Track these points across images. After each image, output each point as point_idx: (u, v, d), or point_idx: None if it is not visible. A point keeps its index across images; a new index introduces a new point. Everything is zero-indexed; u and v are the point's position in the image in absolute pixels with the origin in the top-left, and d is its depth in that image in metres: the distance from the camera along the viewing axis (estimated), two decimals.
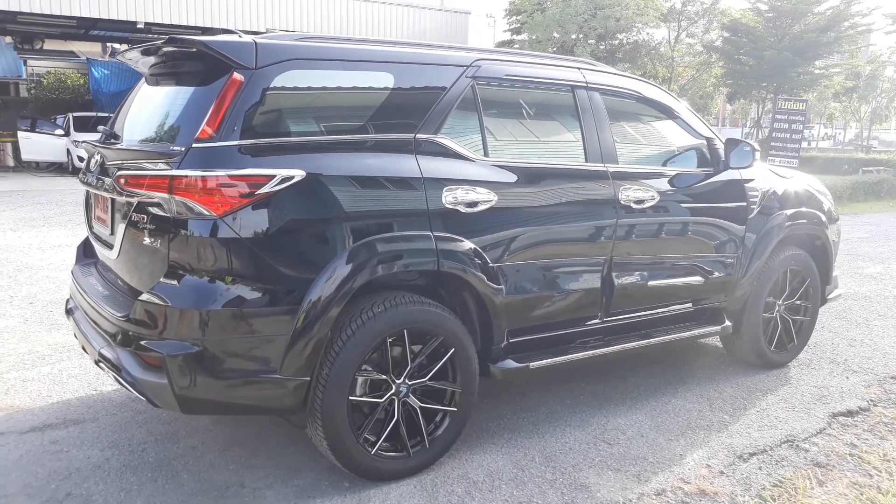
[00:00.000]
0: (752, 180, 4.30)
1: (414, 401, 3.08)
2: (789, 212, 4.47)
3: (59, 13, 17.85)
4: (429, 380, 3.11)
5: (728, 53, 25.43)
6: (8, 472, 3.09)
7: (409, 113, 3.07)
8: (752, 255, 4.27)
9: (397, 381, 3.02)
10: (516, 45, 22.96)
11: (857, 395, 4.25)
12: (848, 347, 5.16)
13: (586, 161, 3.59)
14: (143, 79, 3.37)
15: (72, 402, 3.86)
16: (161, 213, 2.65)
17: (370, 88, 3.03)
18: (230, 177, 2.57)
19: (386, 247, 2.86)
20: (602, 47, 25.90)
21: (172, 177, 2.59)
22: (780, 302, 4.60)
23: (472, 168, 3.15)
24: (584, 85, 3.65)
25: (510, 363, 3.38)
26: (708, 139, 4.16)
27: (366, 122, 2.98)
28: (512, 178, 3.26)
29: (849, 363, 4.82)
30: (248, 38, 2.82)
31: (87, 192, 3.52)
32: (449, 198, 3.02)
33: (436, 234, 2.98)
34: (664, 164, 4.07)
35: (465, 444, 3.43)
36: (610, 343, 3.80)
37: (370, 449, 2.96)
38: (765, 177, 4.43)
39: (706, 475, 3.24)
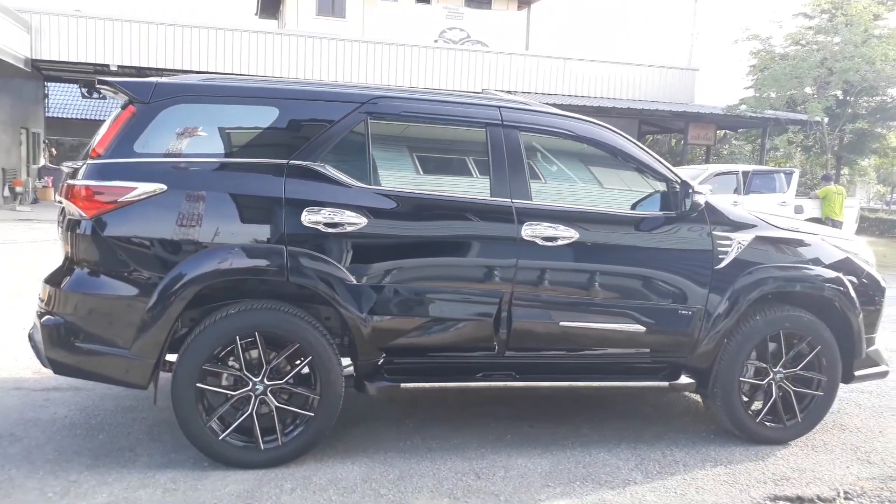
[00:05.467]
0: (727, 227, 3.95)
1: (271, 400, 3.41)
2: (782, 265, 4.01)
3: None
4: (285, 383, 3.42)
5: None
6: None
7: (287, 141, 3.48)
8: (718, 309, 3.90)
9: (254, 380, 3.38)
10: (742, 105, 21.52)
11: (834, 484, 3.63)
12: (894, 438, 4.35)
13: (491, 196, 3.66)
14: None
15: None
16: (68, 216, 3.36)
17: (253, 119, 3.51)
18: (100, 186, 3.20)
19: (235, 255, 3.27)
20: (864, 103, 23.24)
21: (70, 185, 3.30)
22: (776, 368, 4.09)
23: (344, 193, 3.43)
24: (499, 123, 3.73)
25: (383, 381, 3.56)
26: (668, 181, 3.93)
27: (242, 148, 3.47)
28: (389, 204, 3.48)
29: (872, 454, 4.07)
30: (154, 79, 3.46)
31: None
32: (309, 218, 3.35)
33: (290, 248, 3.32)
34: (605, 204, 3.95)
35: (343, 451, 3.66)
36: (521, 379, 3.77)
37: (217, 435, 3.34)
38: (751, 226, 4.03)
39: None
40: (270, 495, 3.19)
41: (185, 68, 19.07)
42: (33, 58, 18.00)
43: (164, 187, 3.23)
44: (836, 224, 13.94)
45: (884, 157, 28.54)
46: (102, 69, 19.38)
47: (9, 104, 19.52)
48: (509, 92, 20.92)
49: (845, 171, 28.90)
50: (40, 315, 3.39)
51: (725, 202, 4.28)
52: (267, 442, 3.41)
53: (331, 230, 3.38)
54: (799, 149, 24.88)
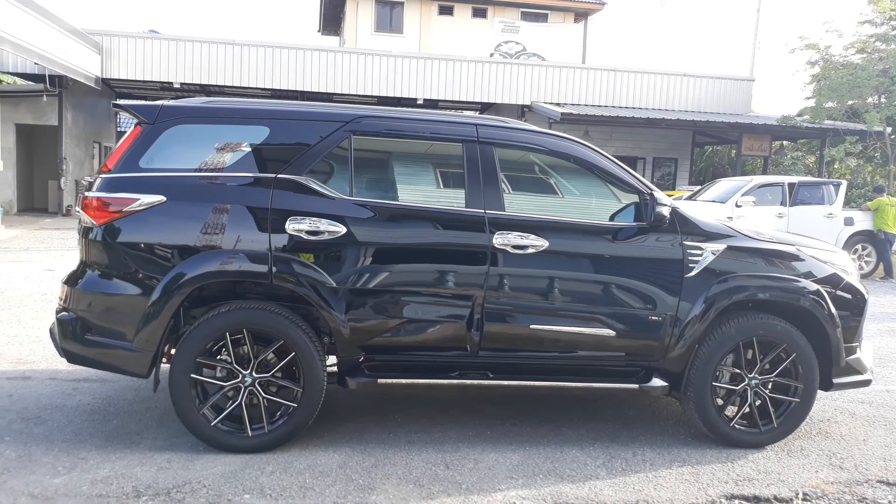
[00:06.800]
0: (699, 237, 4.11)
1: (259, 391, 3.75)
2: (754, 275, 4.14)
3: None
4: (271, 377, 3.77)
5: None
6: (28, 398, 4.47)
7: (275, 157, 3.84)
8: (689, 316, 4.05)
9: (243, 372, 3.74)
10: (800, 115, 21.02)
11: (795, 486, 3.73)
12: (879, 447, 4.37)
13: (466, 206, 3.93)
14: None
15: None
16: (83, 224, 3.80)
17: (246, 137, 3.88)
18: (108, 198, 3.62)
19: (225, 259, 3.64)
20: None
21: (84, 197, 3.73)
22: (751, 374, 4.21)
23: (325, 203, 3.77)
24: (475, 139, 4.00)
25: (362, 377, 3.86)
26: (640, 193, 4.12)
27: (236, 163, 3.82)
28: (367, 214, 3.79)
29: (846, 460, 4.14)
30: (160, 102, 3.88)
31: None
32: (292, 226, 3.70)
33: (275, 254, 3.67)
34: (579, 215, 4.17)
35: (328, 441, 3.98)
36: (495, 378, 4.02)
37: (210, 421, 3.71)
38: (724, 236, 4.17)
39: None
40: (251, 476, 3.52)
41: (244, 85, 19.98)
42: (104, 77, 19.16)
43: (164, 198, 3.63)
44: (890, 237, 13.56)
45: None
46: (167, 86, 20.50)
47: (82, 120, 20.80)
48: (559, 105, 21.08)
49: None
50: (58, 311, 3.83)
51: (698, 211, 4.41)
52: (254, 429, 3.76)
53: (312, 238, 3.71)
54: (862, 159, 24.09)
